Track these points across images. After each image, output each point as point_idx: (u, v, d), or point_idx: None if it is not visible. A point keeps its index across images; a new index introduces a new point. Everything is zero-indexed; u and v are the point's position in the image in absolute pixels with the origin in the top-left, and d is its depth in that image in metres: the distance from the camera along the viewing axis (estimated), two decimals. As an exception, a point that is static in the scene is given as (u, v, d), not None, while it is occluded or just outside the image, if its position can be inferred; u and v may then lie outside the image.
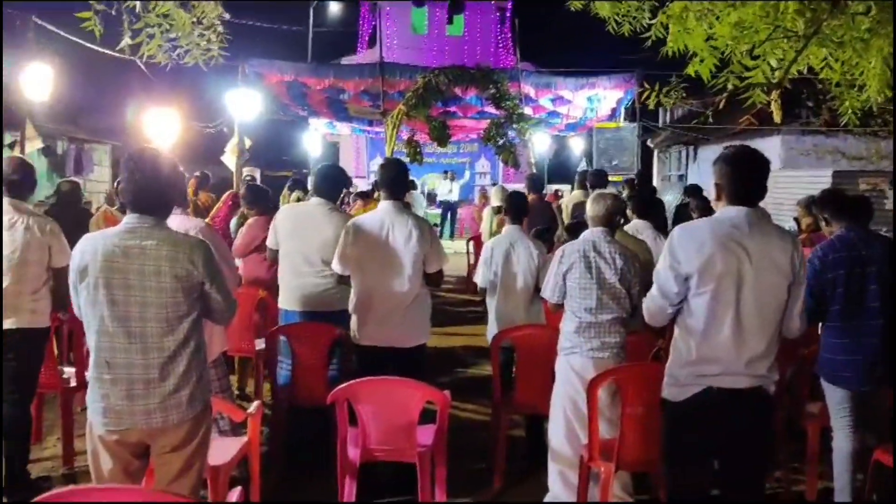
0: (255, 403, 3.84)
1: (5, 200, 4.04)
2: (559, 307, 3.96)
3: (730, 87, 3.17)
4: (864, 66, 3.09)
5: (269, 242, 4.85)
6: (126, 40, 3.48)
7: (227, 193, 8.67)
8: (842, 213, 3.98)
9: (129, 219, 2.74)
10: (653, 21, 3.67)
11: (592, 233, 3.95)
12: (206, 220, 8.57)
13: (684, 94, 3.59)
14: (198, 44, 3.56)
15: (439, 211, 18.56)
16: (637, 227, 5.45)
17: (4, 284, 3.99)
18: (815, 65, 3.29)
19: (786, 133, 12.23)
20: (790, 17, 2.76)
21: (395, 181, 4.35)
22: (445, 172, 18.67)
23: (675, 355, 2.96)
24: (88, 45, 9.52)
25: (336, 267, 4.22)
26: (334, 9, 23.89)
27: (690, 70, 3.33)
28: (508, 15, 23.41)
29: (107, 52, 10.33)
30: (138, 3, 3.28)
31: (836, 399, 3.90)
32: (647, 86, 3.62)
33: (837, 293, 3.83)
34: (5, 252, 3.99)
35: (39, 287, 4.17)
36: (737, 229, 2.80)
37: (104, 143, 19.66)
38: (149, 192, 2.73)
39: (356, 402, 3.66)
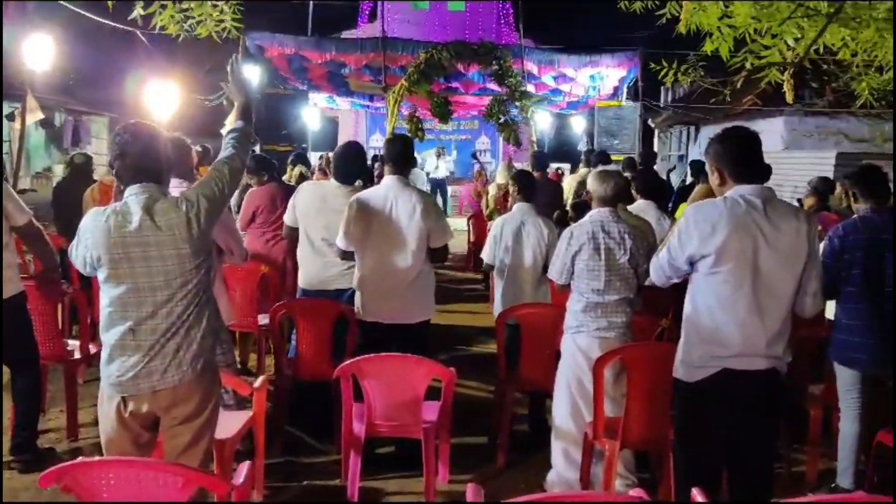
0: (261, 378, 3.83)
1: None
2: (566, 288, 3.95)
3: (748, 66, 3.13)
4: (887, 47, 3.06)
5: (288, 219, 4.83)
6: (138, 10, 3.42)
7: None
8: (871, 194, 3.92)
9: (132, 189, 2.72)
10: (666, -2, 3.63)
11: (600, 213, 3.92)
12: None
13: (702, 73, 3.55)
14: (210, 14, 3.50)
15: (428, 188, 18.48)
16: (641, 207, 5.42)
17: None
18: (835, 44, 3.26)
19: (789, 114, 12.18)
20: (813, -6, 2.73)
21: (401, 156, 4.32)
22: (438, 149, 18.56)
23: (687, 335, 2.95)
24: (88, 14, 9.44)
25: (340, 243, 4.20)
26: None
27: (708, 48, 3.29)
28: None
29: (106, 22, 10.26)
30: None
31: (846, 381, 3.90)
32: (664, 63, 3.57)
33: (854, 274, 3.82)
34: None
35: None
36: (753, 208, 2.78)
37: (103, 115, 19.53)
38: (148, 161, 2.73)
39: (362, 377, 3.66)
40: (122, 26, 9.54)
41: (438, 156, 18.19)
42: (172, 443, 2.77)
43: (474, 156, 17.17)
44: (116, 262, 2.64)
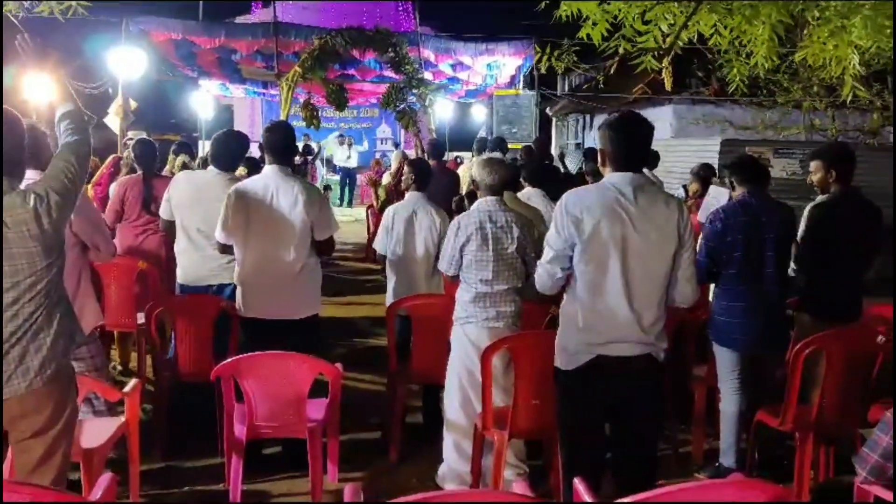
0: (132, 382, 3.60)
1: None
2: (456, 279, 3.88)
3: (621, 51, 3.13)
4: (753, 33, 3.12)
5: (163, 212, 4.56)
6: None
7: (111, 157, 8.16)
8: (748, 179, 4.05)
9: None
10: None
11: (486, 202, 3.87)
12: (90, 185, 8.08)
13: (576, 59, 3.53)
14: (53, -9, 3.20)
15: (338, 178, 18.20)
16: (529, 194, 5.42)
17: None
18: (705, 31, 3.30)
19: (677, 102, 12.60)
20: (682, -21, 2.74)
21: (281, 146, 4.13)
22: (341, 136, 18.24)
23: (564, 324, 2.94)
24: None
25: (219, 235, 3.99)
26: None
27: (582, 34, 3.27)
28: (409, -23, 23.04)
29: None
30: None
31: (726, 361, 4.01)
32: (538, 49, 3.53)
33: (735, 257, 3.92)
34: None
35: None
36: (621, 195, 2.79)
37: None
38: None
39: (241, 377, 3.49)
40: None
41: (349, 145, 17.89)
42: (22, 458, 2.54)
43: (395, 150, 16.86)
44: None
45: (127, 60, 11.70)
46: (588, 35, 3.48)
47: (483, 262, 3.73)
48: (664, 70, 3.83)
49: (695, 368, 4.51)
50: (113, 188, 6.13)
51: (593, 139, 16.24)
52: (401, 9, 23.00)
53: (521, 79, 15.53)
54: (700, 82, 12.63)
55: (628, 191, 2.80)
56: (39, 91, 10.12)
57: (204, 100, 17.08)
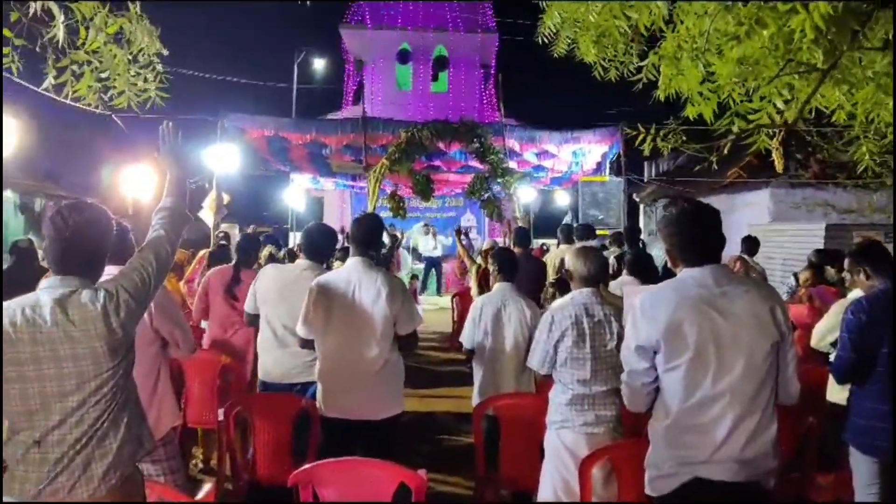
0: (206, 488, 3.41)
1: None
2: (549, 378, 3.58)
3: (735, 129, 2.87)
4: (887, 108, 2.80)
5: (248, 307, 4.47)
6: (49, 80, 3.14)
7: (202, 252, 8.31)
8: (884, 269, 3.65)
9: (49, 282, 2.41)
10: (642, 64, 3.39)
11: (582, 294, 3.59)
12: (182, 281, 8.20)
13: (684, 138, 3.27)
14: (134, 83, 3.21)
15: (423, 266, 18.20)
16: (624, 282, 5.10)
17: None
18: (828, 106, 3.00)
19: (775, 186, 12.04)
20: (806, 49, 2.48)
21: (368, 238, 4.00)
22: (426, 226, 18.33)
23: (653, 441, 2.57)
24: (57, 98, 9.26)
25: (300, 330, 3.84)
26: (319, 66, 24.01)
27: (690, 112, 3.03)
28: (493, 72, 23.58)
29: (79, 105, 10.09)
30: (61, 36, 2.91)
31: (866, 471, 3.49)
32: (641, 128, 3.28)
33: (882, 353, 3.46)
34: None
35: None
36: (704, 289, 2.46)
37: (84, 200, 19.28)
38: (77, 250, 2.45)
39: (319, 485, 3.23)
40: (90, 109, 9.37)
41: (434, 235, 17.96)
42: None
43: (459, 232, 16.88)
44: (22, 363, 2.28)
45: (222, 156, 12.18)
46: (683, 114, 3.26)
47: (580, 361, 3.42)
48: (774, 151, 3.53)
49: (819, 477, 3.99)
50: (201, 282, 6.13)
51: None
52: (485, 102, 23.52)
53: (608, 165, 15.31)
54: (798, 164, 12.07)
55: (710, 282, 2.49)
56: (140, 186, 10.63)
57: (295, 193, 17.61)
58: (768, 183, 12.16)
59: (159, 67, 3.24)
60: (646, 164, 20.74)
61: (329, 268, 4.58)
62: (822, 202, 11.95)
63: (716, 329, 2.43)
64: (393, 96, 22.66)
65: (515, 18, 22.50)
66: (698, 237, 2.58)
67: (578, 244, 4.09)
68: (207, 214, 12.44)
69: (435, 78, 23.78)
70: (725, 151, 3.24)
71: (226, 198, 12.58)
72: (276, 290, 4.36)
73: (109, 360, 2.36)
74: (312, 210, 23.18)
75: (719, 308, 2.44)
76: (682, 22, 2.99)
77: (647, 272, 5.22)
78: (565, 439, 3.45)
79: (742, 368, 2.44)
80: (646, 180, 19.74)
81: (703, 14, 2.76)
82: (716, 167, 3.67)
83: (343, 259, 6.86)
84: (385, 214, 12.78)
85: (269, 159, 14.34)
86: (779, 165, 3.71)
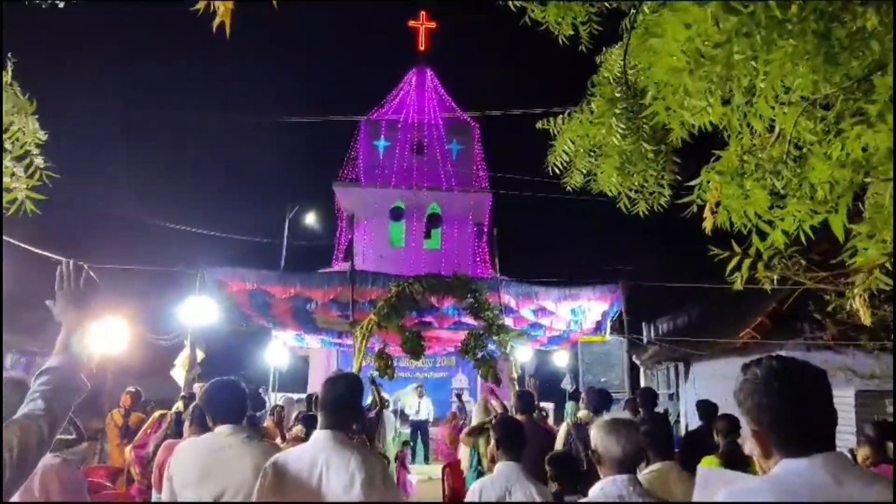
0: None
1: None
2: None
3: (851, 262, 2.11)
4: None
5: (165, 496, 3.44)
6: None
7: (157, 414, 7.31)
8: None
9: None
10: (692, 183, 2.68)
11: (616, 484, 2.69)
12: (129, 447, 7.14)
13: (802, 261, 2.50)
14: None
15: (408, 431, 16.90)
16: (659, 469, 4.11)
17: None
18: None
19: (791, 349, 11.22)
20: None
21: (342, 404, 3.11)
22: (418, 388, 17.19)
23: None
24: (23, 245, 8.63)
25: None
26: (311, 221, 23.83)
27: (777, 239, 2.27)
28: (486, 230, 23.44)
29: (44, 253, 9.43)
30: None
31: None
32: (736, 249, 2.46)
33: None
34: None
35: None
36: (820, 489, 1.61)
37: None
38: None
39: None
40: (56, 256, 8.74)
41: (420, 395, 16.81)
42: None
43: (459, 397, 15.80)
44: None
45: (198, 310, 11.44)
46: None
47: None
48: (857, 298, 2.77)
49: None
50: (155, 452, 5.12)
51: (693, 390, 14.69)
52: (478, 259, 23.17)
53: (608, 324, 14.56)
54: (815, 325, 11.33)
55: (827, 482, 1.64)
56: (108, 339, 9.74)
57: (277, 350, 16.67)
58: (783, 345, 11.36)
59: (38, 161, 2.42)
60: (644, 324, 20.00)
61: (256, 427, 3.60)
62: (842, 367, 11.08)
63: None
64: (385, 252, 22.32)
65: (510, 174, 22.53)
66: (803, 412, 1.73)
67: (606, 419, 3.14)
68: (179, 373, 11.50)
69: (428, 235, 23.59)
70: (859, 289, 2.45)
71: (199, 354, 11.67)
72: (198, 467, 3.35)
73: None
74: (298, 368, 22.06)
75: None
76: (748, 125, 2.31)
77: (673, 451, 4.19)
78: None
79: None
80: (645, 341, 18.91)
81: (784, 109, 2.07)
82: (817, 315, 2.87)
83: (307, 427, 5.83)
84: (372, 374, 11.80)
85: (251, 314, 13.54)
86: (865, 318, 2.91)
